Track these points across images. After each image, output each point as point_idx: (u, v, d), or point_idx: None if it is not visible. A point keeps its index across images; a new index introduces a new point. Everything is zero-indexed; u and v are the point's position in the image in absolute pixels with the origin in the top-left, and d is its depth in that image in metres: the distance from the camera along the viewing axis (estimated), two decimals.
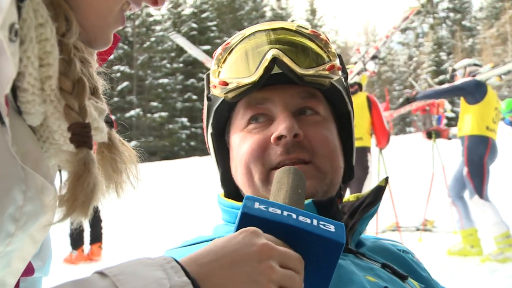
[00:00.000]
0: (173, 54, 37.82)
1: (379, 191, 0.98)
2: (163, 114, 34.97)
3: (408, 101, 6.46)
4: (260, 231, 0.60)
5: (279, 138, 0.89)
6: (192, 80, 37.43)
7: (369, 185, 5.56)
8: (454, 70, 6.26)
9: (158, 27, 38.21)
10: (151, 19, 38.23)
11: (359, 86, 6.08)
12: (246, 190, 0.94)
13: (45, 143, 0.64)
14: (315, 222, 0.62)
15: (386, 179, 0.99)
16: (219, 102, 0.97)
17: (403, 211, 7.46)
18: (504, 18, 45.85)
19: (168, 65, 37.22)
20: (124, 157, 0.73)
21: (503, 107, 8.50)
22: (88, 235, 6.21)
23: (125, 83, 33.26)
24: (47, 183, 0.61)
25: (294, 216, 0.63)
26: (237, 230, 0.61)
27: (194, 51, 13.12)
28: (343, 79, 0.99)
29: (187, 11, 40.58)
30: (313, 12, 51.67)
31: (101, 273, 0.52)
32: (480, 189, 5.35)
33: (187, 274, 0.53)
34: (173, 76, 37.53)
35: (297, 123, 0.90)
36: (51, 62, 0.59)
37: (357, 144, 5.10)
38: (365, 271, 0.87)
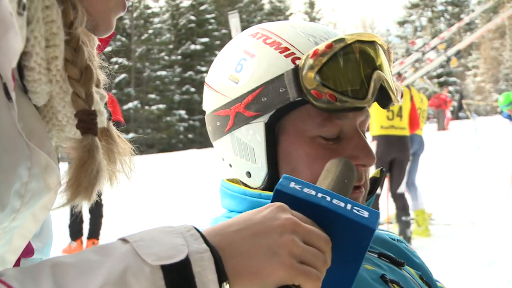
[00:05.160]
0: (171, 47, 37.64)
1: (374, 182, 0.96)
2: (161, 106, 34.81)
3: None
4: (286, 207, 0.60)
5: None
6: (190, 72, 37.19)
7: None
8: None
9: (156, 19, 37.96)
10: (149, 11, 38.00)
11: None
12: None
13: (48, 124, 0.66)
14: (348, 206, 0.62)
15: (381, 170, 0.98)
16: (293, 99, 0.85)
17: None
18: (502, 12, 45.78)
19: (166, 58, 36.98)
20: (120, 148, 0.75)
21: (500, 101, 8.51)
22: (87, 227, 6.18)
23: (123, 75, 33.09)
24: (51, 162, 0.62)
25: (328, 198, 0.63)
26: None
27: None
28: None
29: (186, 3, 40.24)
30: (311, 5, 51.41)
31: (123, 240, 0.55)
32: None
33: (206, 242, 0.54)
34: (171, 68, 37.26)
35: None
36: (57, 43, 0.60)
37: (403, 133, 6.15)
38: (363, 261, 0.90)
